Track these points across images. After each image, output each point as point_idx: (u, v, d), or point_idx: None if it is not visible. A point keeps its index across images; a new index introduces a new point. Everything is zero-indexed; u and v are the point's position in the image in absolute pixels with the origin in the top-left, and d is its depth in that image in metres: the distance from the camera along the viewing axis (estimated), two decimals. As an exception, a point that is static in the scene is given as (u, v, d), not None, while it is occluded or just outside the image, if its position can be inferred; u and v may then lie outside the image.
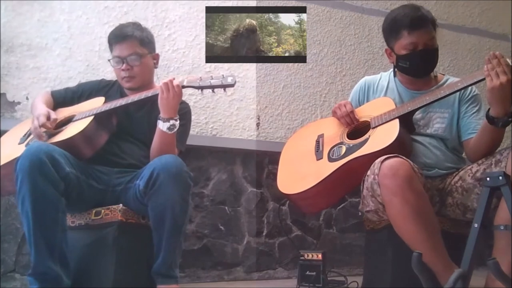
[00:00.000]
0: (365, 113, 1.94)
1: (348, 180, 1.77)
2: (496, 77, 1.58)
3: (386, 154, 1.62)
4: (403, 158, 1.60)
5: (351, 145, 1.83)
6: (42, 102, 2.02)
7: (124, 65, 1.97)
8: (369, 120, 1.88)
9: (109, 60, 2.05)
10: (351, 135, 1.90)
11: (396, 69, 2.00)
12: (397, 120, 1.77)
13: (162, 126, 1.82)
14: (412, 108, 1.79)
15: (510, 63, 1.58)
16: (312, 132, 2.07)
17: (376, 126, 1.82)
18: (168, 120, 1.81)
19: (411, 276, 1.40)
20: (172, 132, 1.83)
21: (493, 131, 1.68)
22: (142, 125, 2.00)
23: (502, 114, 1.62)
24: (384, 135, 1.75)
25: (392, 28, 1.90)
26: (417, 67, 1.88)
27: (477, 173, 1.70)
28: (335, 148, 1.87)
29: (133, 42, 1.98)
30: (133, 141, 1.99)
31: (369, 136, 1.80)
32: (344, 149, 1.83)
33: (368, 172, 1.65)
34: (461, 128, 1.89)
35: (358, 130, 1.91)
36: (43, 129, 1.87)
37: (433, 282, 1.46)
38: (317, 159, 1.90)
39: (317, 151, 1.94)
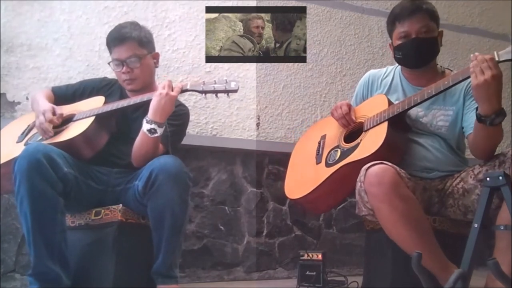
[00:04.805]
0: (362, 112, 1.92)
1: (343, 184, 1.76)
2: (480, 74, 1.50)
3: (375, 159, 1.61)
4: (387, 164, 1.58)
5: (345, 149, 1.82)
6: (44, 97, 2.01)
7: (124, 68, 1.94)
8: (364, 121, 1.86)
9: (108, 63, 2.03)
10: (350, 136, 1.89)
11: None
12: (385, 124, 1.74)
13: (144, 126, 1.79)
14: (401, 110, 1.74)
15: (496, 57, 1.51)
16: (318, 132, 2.08)
17: (368, 129, 1.81)
18: (151, 122, 1.77)
19: (411, 276, 1.39)
20: (153, 136, 1.78)
21: (485, 129, 1.59)
22: (138, 126, 1.99)
23: (490, 112, 1.54)
24: (372, 140, 1.73)
25: (389, 20, 1.91)
26: (410, 56, 1.84)
27: (479, 174, 1.67)
28: (332, 151, 1.88)
29: (131, 43, 1.95)
30: (130, 142, 1.98)
31: (361, 140, 1.80)
32: (339, 153, 1.84)
33: (357, 179, 1.64)
34: (464, 123, 1.82)
35: (356, 131, 1.90)
36: (50, 124, 1.86)
37: (433, 282, 1.46)
38: (317, 163, 1.92)
39: (318, 154, 1.95)
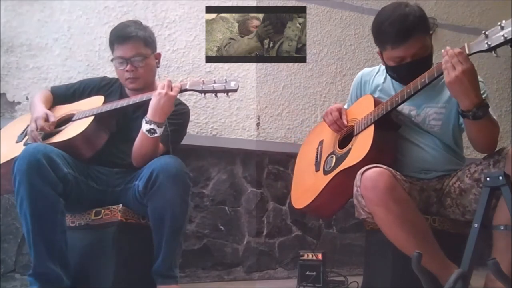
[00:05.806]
0: (353, 115, 1.92)
1: (342, 190, 1.75)
2: (452, 70, 1.46)
3: (366, 164, 1.61)
4: (382, 168, 1.58)
5: (339, 155, 1.83)
6: (41, 102, 1.99)
7: (129, 66, 1.93)
8: (354, 125, 1.86)
9: (111, 60, 2.01)
10: (345, 139, 1.89)
11: None
12: (372, 127, 1.73)
13: (143, 126, 1.79)
14: (385, 111, 1.72)
15: (467, 50, 1.47)
16: (316, 137, 2.09)
17: (358, 134, 1.81)
18: (150, 122, 1.77)
19: (411, 276, 1.39)
20: (152, 136, 1.78)
21: (471, 123, 1.55)
22: (139, 125, 1.98)
23: (470, 107, 1.50)
24: (361, 145, 1.73)
25: (377, 38, 1.79)
26: (406, 78, 1.73)
27: (475, 173, 1.66)
28: (328, 158, 1.89)
29: (137, 42, 1.94)
30: (131, 141, 1.96)
31: (352, 145, 1.80)
32: (334, 160, 1.84)
33: (354, 183, 1.64)
34: (461, 119, 1.75)
35: (350, 134, 1.89)
36: (39, 132, 1.86)
37: (433, 282, 1.46)
38: (316, 171, 1.93)
39: (316, 162, 1.97)
